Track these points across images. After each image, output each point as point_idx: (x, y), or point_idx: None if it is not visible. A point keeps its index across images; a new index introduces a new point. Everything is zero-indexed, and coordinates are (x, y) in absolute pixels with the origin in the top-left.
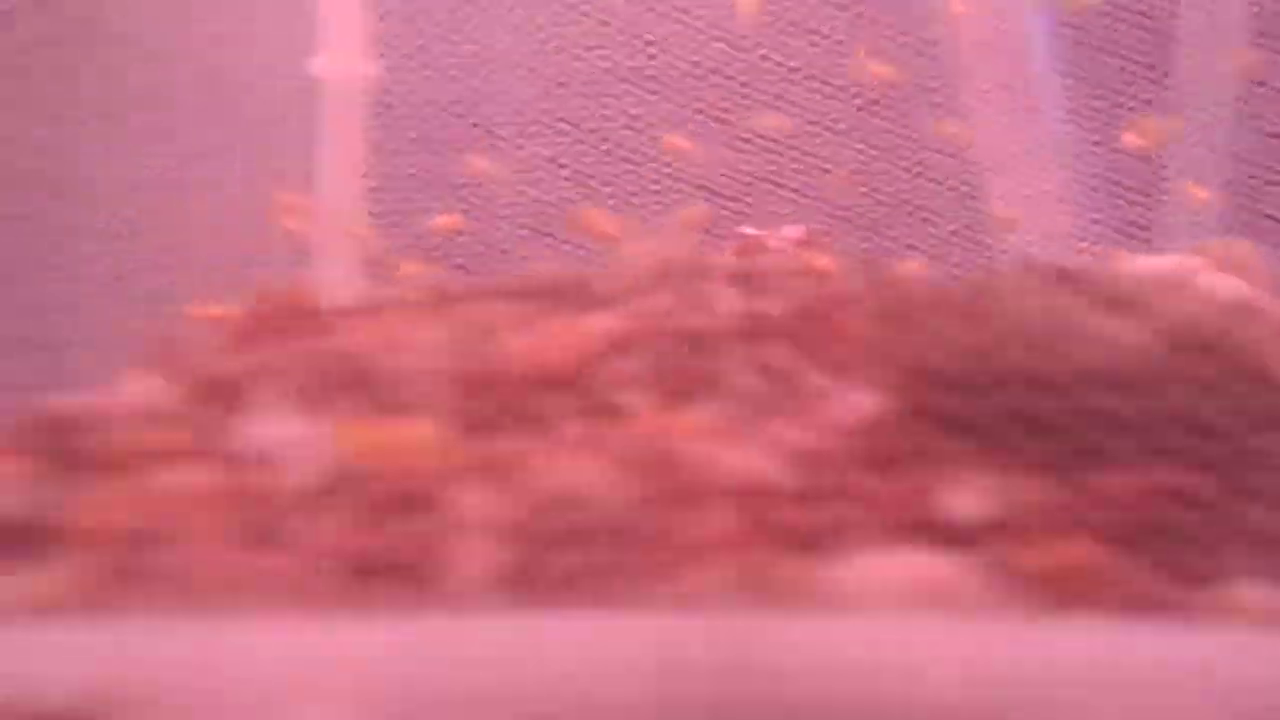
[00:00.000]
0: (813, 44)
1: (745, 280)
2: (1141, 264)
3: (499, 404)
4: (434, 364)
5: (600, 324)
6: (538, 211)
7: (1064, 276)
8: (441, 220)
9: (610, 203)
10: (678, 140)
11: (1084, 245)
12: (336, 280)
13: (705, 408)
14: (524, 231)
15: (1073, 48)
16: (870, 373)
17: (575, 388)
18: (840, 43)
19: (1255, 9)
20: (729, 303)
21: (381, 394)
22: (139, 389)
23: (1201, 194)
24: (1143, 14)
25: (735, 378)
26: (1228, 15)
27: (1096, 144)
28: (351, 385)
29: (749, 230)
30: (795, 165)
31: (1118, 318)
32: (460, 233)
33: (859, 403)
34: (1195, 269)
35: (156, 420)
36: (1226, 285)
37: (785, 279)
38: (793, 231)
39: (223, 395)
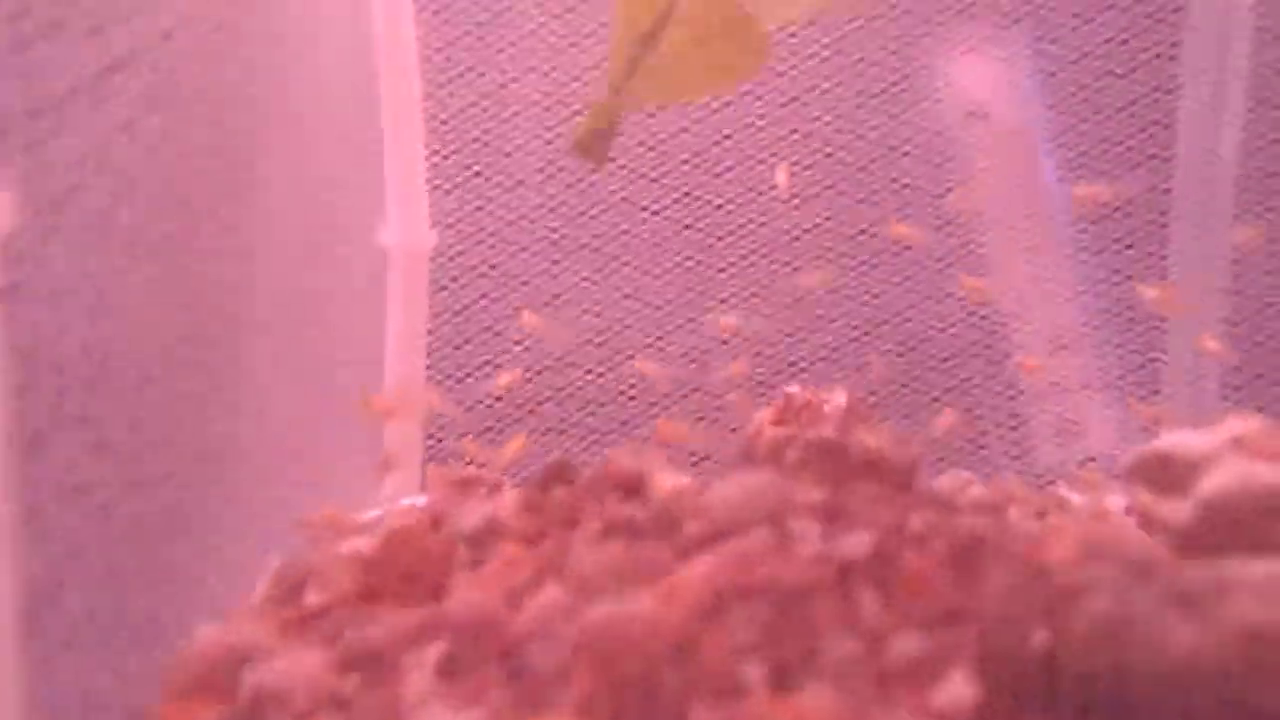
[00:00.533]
0: (843, 200)
1: (828, 513)
2: (1183, 445)
3: (632, 687)
4: (562, 634)
5: (700, 576)
6: (597, 368)
7: (1140, 572)
8: (504, 378)
9: (663, 359)
10: (725, 318)
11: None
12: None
13: (815, 688)
14: (586, 389)
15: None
16: (959, 637)
17: (691, 654)
18: (873, 199)
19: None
20: (812, 542)
21: (520, 671)
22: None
23: (1212, 344)
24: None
25: (834, 642)
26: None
27: (1113, 299)
28: (488, 659)
29: (794, 390)
30: (836, 323)
31: (1191, 620)
32: (526, 397)
33: (960, 693)
34: (1231, 445)
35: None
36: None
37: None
38: (838, 397)
39: (373, 667)
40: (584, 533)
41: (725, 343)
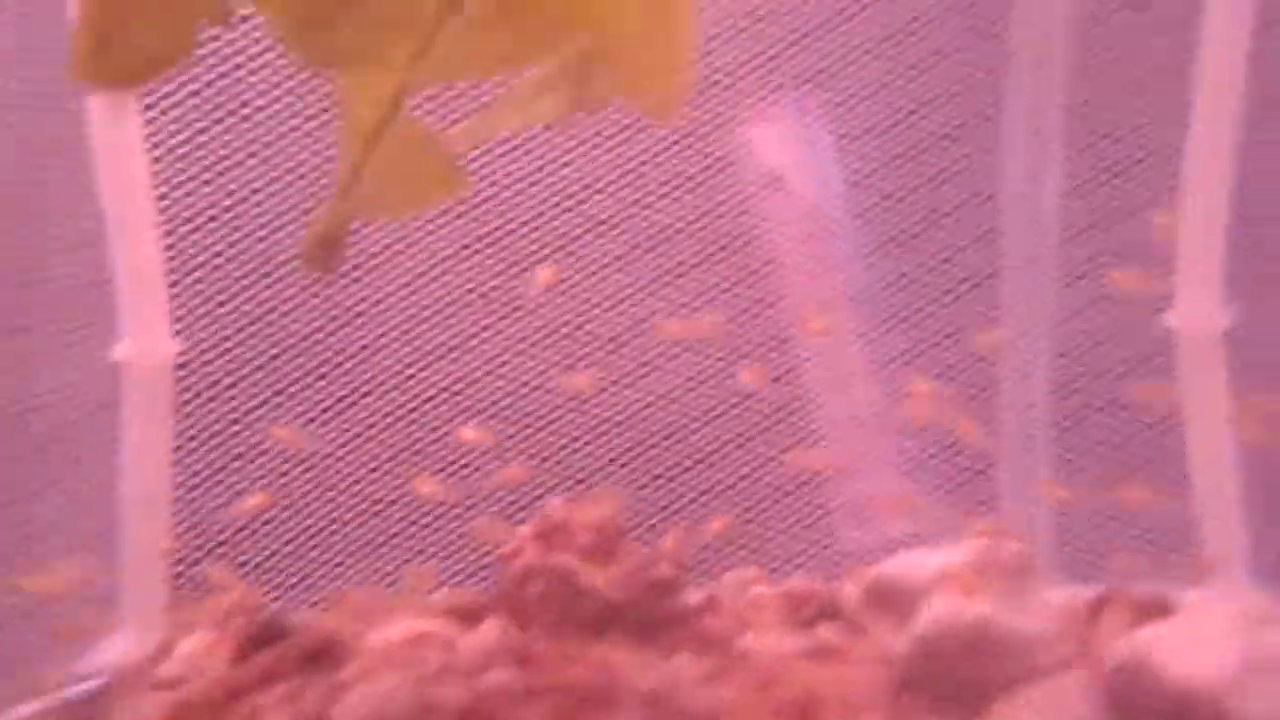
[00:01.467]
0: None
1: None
2: (908, 571)
3: None
4: None
5: None
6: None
7: None
8: (251, 502)
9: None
10: (469, 432)
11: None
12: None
13: None
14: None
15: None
16: None
17: None
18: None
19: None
20: None
21: None
22: None
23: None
24: None
25: None
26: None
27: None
28: None
29: (552, 506)
30: (614, 425)
31: None
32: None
33: None
34: (959, 568)
35: None
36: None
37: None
38: (593, 516)
39: None
40: None
41: (489, 450)
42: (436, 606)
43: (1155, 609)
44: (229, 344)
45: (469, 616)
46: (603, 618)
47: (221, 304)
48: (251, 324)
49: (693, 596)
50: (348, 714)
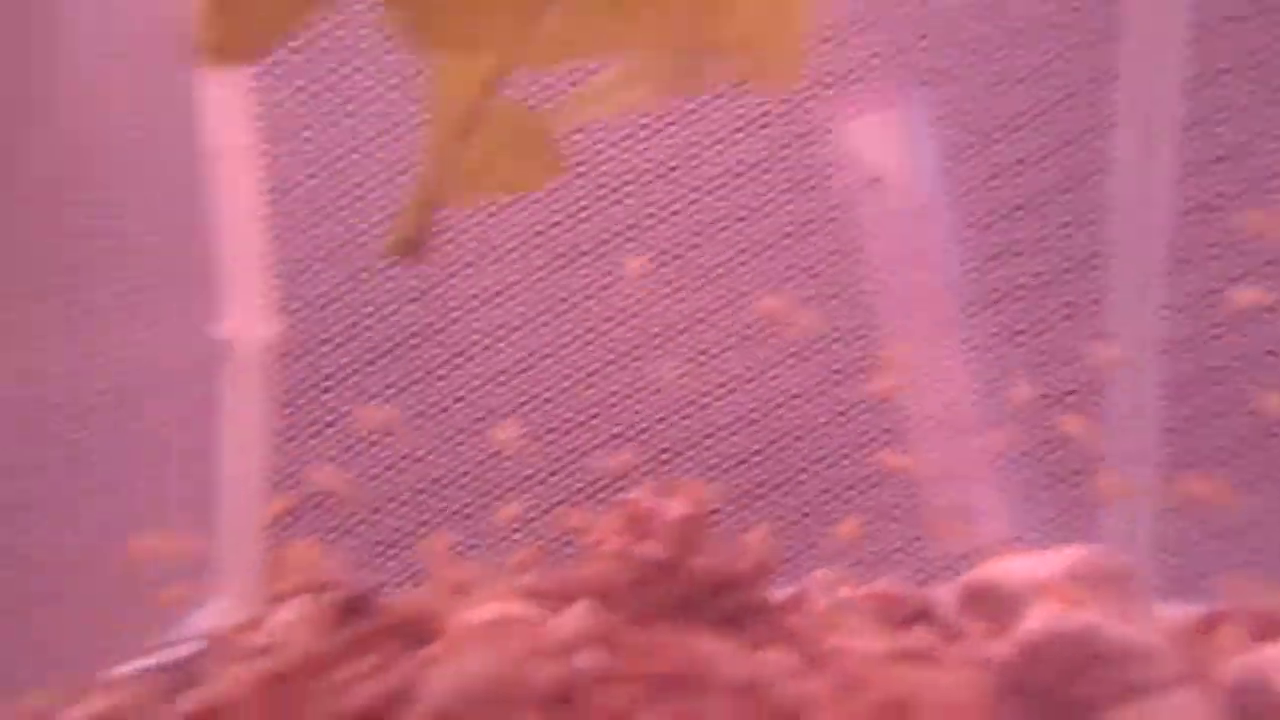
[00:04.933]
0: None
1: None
2: (1010, 575)
3: None
4: None
5: None
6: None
7: None
8: (323, 477)
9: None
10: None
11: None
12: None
13: None
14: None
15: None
16: None
17: None
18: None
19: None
20: None
21: None
22: None
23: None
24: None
25: None
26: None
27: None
28: None
29: (637, 496)
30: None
31: None
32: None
33: None
34: (1060, 576)
35: None
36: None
37: None
38: (677, 506)
39: None
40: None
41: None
42: (523, 589)
43: (1273, 628)
44: (324, 324)
45: (556, 600)
46: (688, 608)
47: (316, 286)
48: (345, 305)
49: (777, 594)
50: (435, 690)
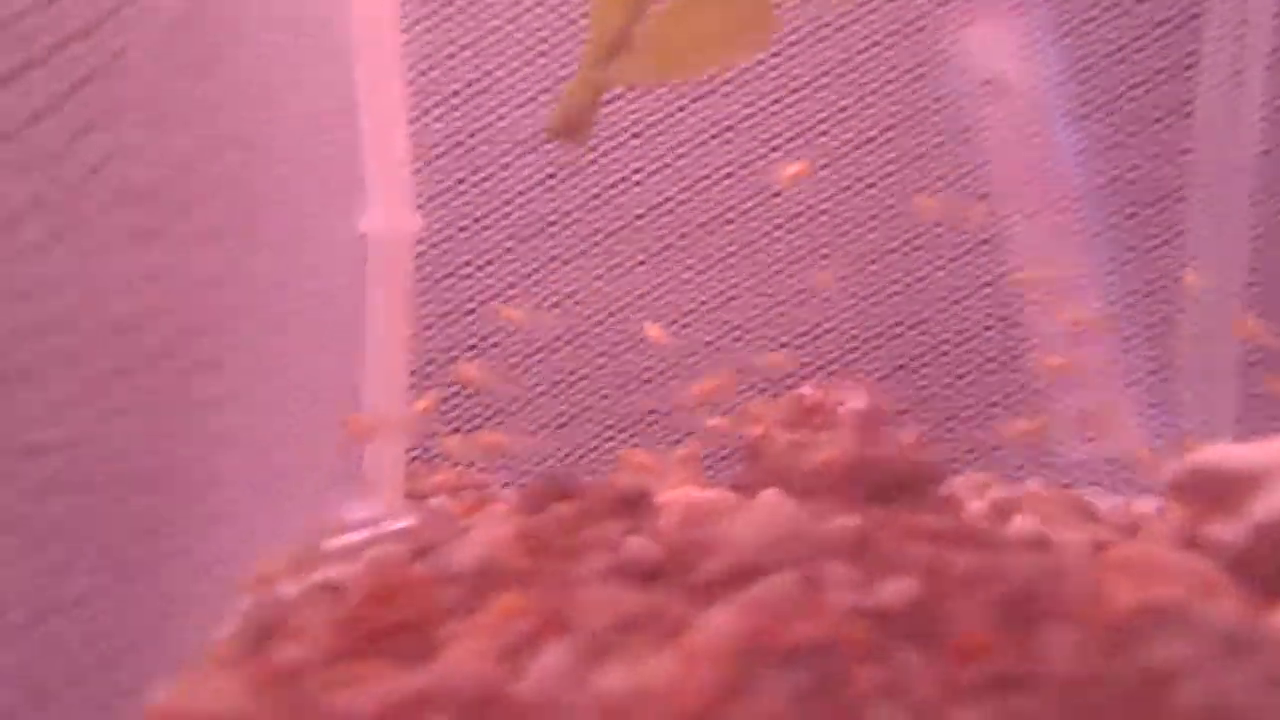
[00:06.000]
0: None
1: (857, 550)
2: (1235, 460)
3: None
4: (571, 705)
5: (723, 633)
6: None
7: (1233, 648)
8: (466, 369)
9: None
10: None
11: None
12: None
13: None
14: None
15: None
16: (1020, 710)
17: None
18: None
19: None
20: (844, 588)
21: None
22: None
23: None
24: None
25: (880, 716)
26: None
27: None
28: None
29: (806, 391)
30: (844, 317)
31: None
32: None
33: None
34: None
35: None
36: None
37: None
38: (856, 399)
39: None
40: (588, 570)
41: (732, 336)
42: (705, 479)
43: None
44: (469, 221)
45: (737, 490)
46: (870, 498)
47: (461, 181)
48: (491, 201)
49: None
50: (733, 540)
